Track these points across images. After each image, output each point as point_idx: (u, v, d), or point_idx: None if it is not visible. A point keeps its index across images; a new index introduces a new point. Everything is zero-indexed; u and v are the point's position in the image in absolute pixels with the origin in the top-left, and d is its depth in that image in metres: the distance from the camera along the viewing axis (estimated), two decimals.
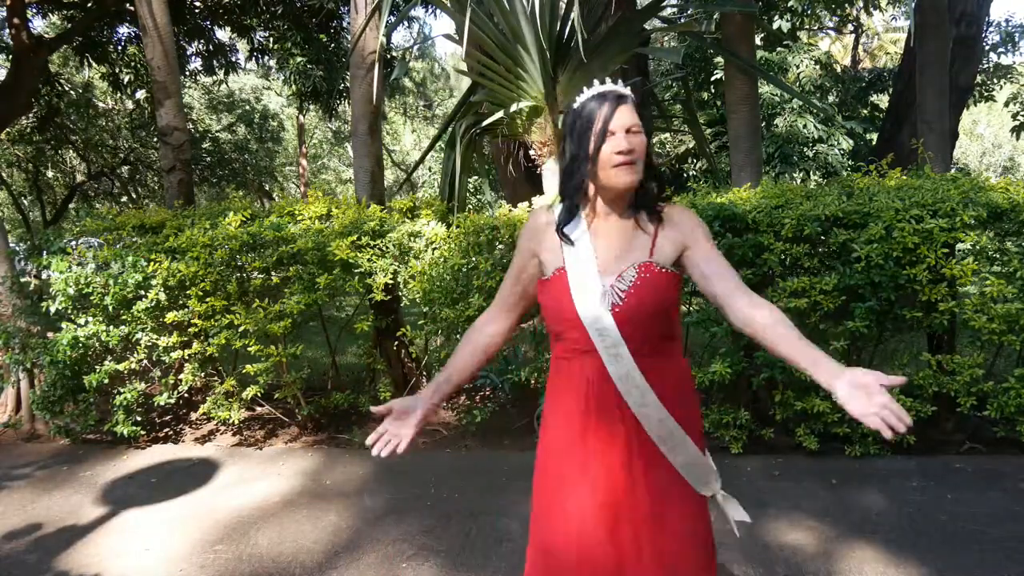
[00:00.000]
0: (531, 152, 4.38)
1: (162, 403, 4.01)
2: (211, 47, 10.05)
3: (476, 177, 11.58)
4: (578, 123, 1.47)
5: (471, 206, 12.95)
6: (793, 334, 1.36)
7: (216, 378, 4.22)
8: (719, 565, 1.54)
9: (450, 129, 4.76)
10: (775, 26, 10.21)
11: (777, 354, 1.38)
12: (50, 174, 15.98)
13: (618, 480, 1.46)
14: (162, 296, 3.86)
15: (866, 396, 1.21)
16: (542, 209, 1.59)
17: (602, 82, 1.51)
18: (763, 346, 1.41)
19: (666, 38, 13.10)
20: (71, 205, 15.69)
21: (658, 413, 1.45)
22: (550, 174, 4.28)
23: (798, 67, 11.28)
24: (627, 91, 1.49)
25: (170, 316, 3.85)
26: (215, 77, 10.84)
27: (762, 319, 1.40)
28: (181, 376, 4.01)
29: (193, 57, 10.36)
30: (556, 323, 1.52)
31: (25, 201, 17.13)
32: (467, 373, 1.65)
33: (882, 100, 12.66)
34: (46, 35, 10.24)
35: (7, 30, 8.79)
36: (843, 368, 1.27)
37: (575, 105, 1.49)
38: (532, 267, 1.58)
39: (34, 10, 9.42)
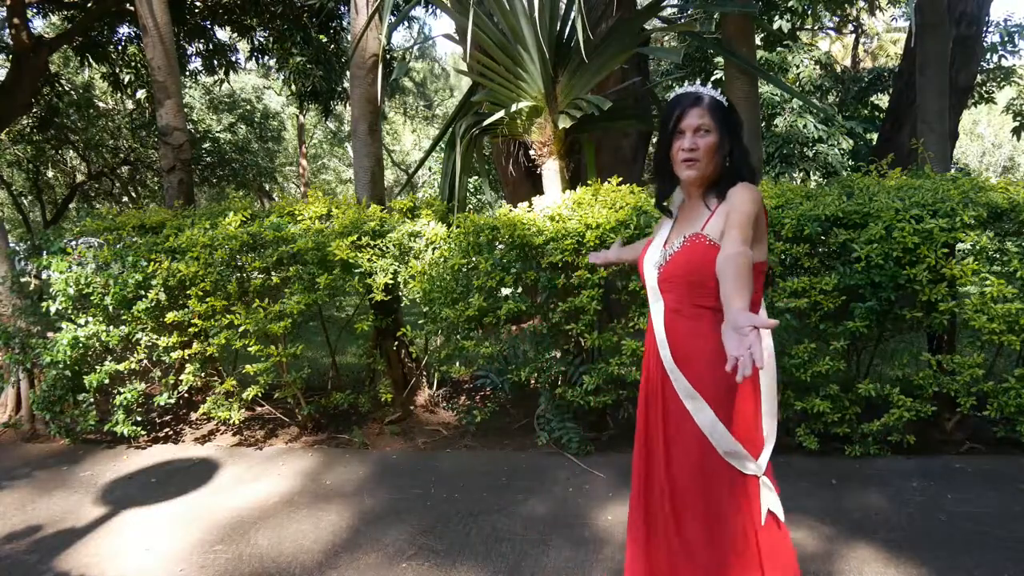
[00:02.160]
0: (531, 152, 4.37)
1: (162, 403, 4.01)
2: (211, 47, 10.05)
3: (476, 177, 11.58)
4: (663, 122, 1.74)
5: (471, 206, 12.94)
6: (726, 276, 1.47)
7: (216, 378, 4.22)
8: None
9: (450, 129, 4.75)
10: (775, 26, 10.20)
11: None
12: (50, 174, 15.98)
13: (651, 417, 1.79)
14: (162, 296, 3.86)
15: (738, 337, 1.31)
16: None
17: (682, 84, 1.78)
18: None
19: (666, 38, 13.10)
20: (71, 205, 15.69)
21: (671, 366, 1.69)
22: (550, 174, 4.27)
23: (798, 67, 11.28)
24: (705, 92, 1.70)
25: (170, 316, 3.85)
26: (215, 77, 10.83)
27: (718, 258, 1.55)
28: (181, 376, 4.01)
29: (193, 57, 10.35)
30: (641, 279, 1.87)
31: (25, 201, 17.13)
32: (632, 257, 2.17)
33: (882, 100, 12.65)
34: (46, 35, 10.23)
35: (7, 30, 8.79)
36: (734, 311, 1.37)
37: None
38: None
39: (34, 10, 9.42)
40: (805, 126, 10.73)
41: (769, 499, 1.69)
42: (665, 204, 1.90)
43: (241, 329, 3.81)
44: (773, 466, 1.78)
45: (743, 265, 1.47)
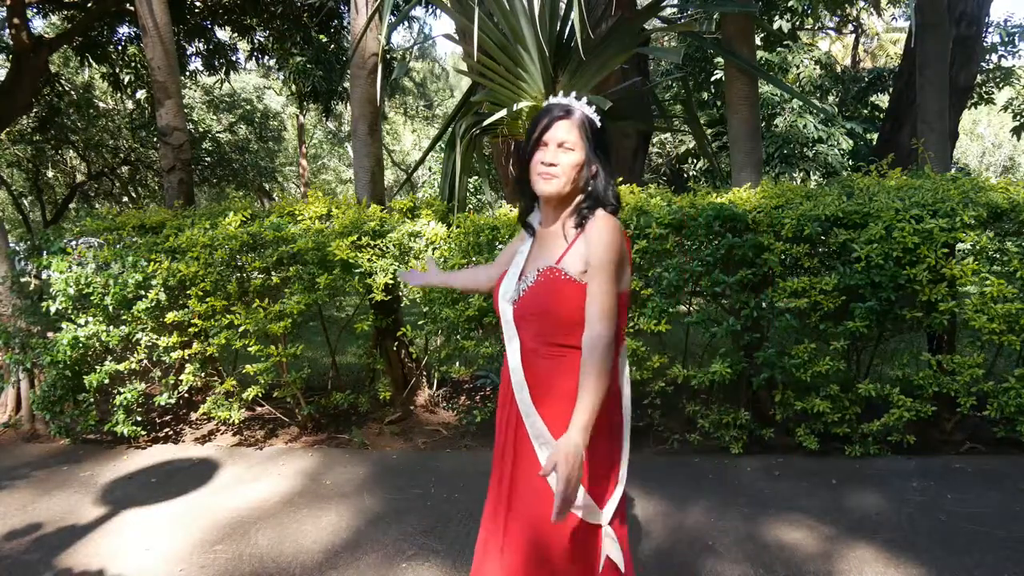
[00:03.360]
0: None
1: (162, 403, 4.01)
2: (211, 47, 10.05)
3: (476, 177, 11.59)
4: (529, 131, 1.62)
5: (471, 206, 12.94)
6: (585, 364, 1.47)
7: (216, 378, 4.22)
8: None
9: (450, 129, 4.75)
10: (775, 26, 10.21)
11: None
12: (50, 174, 15.97)
13: (503, 459, 1.67)
14: (162, 296, 3.86)
15: (565, 465, 1.38)
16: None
17: (580, 93, 1.67)
18: None
19: (666, 38, 13.10)
20: (71, 205, 15.69)
21: (528, 410, 1.57)
22: None
23: (798, 67, 11.28)
24: (578, 106, 1.58)
25: (170, 316, 3.85)
26: (216, 77, 10.84)
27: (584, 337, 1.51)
28: (181, 376, 4.01)
29: (193, 57, 10.36)
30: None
31: (25, 201, 17.13)
32: (461, 285, 2.11)
33: (882, 100, 12.66)
34: (46, 35, 10.24)
35: (7, 30, 8.79)
36: (574, 427, 1.42)
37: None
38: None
39: (34, 10, 9.43)
40: (805, 126, 10.73)
41: (609, 547, 1.58)
42: (528, 221, 1.73)
43: (241, 329, 3.81)
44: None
45: (605, 351, 1.45)
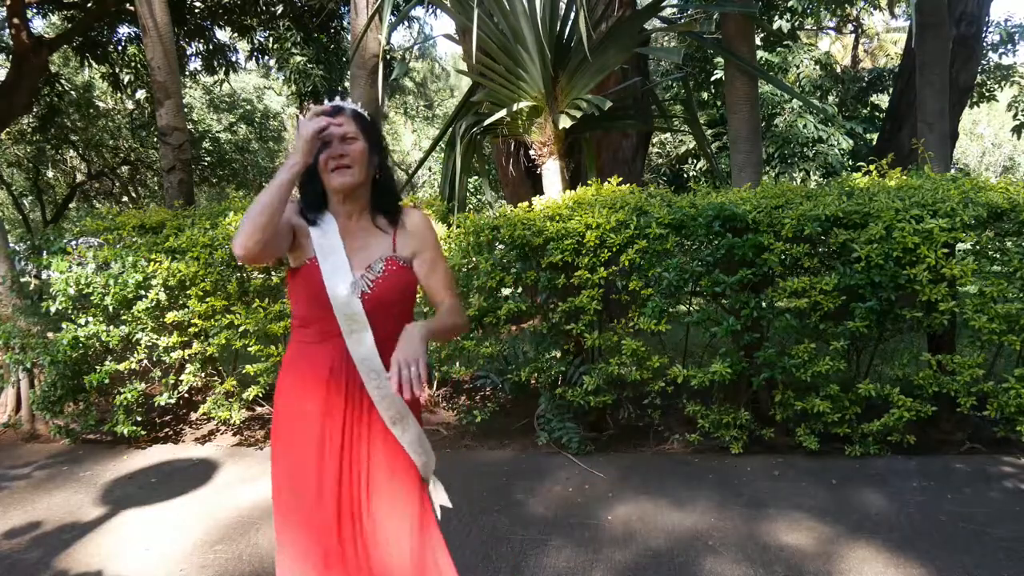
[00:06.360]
0: (531, 152, 4.38)
1: (162, 403, 4.01)
2: (211, 47, 10.06)
3: (476, 177, 11.58)
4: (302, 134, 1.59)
5: (471, 206, 12.94)
6: (450, 315, 1.69)
7: (216, 378, 4.21)
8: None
9: (450, 129, 4.76)
10: (775, 26, 10.21)
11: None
12: (50, 174, 15.98)
13: (352, 455, 1.65)
14: (162, 296, 3.86)
15: (406, 343, 1.49)
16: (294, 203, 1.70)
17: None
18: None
19: (666, 38, 13.10)
20: (71, 205, 15.70)
21: (386, 392, 1.64)
22: (550, 174, 4.28)
23: (798, 67, 11.28)
24: (346, 104, 1.67)
25: (170, 316, 3.85)
26: (215, 77, 10.85)
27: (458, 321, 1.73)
28: (181, 376, 4.01)
29: (193, 57, 10.37)
30: (308, 309, 1.67)
31: (25, 201, 17.13)
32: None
33: (882, 100, 12.65)
34: (46, 35, 10.23)
35: (7, 30, 8.80)
36: (418, 324, 1.55)
37: (302, 118, 1.64)
38: (288, 226, 1.62)
39: (34, 10, 9.43)
40: (805, 126, 10.73)
41: (439, 495, 1.84)
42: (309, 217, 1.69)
43: (241, 329, 3.81)
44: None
45: (463, 311, 1.73)
